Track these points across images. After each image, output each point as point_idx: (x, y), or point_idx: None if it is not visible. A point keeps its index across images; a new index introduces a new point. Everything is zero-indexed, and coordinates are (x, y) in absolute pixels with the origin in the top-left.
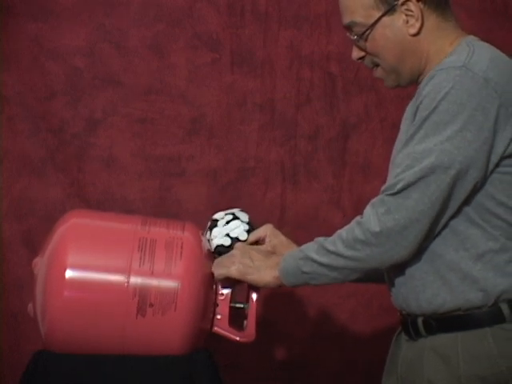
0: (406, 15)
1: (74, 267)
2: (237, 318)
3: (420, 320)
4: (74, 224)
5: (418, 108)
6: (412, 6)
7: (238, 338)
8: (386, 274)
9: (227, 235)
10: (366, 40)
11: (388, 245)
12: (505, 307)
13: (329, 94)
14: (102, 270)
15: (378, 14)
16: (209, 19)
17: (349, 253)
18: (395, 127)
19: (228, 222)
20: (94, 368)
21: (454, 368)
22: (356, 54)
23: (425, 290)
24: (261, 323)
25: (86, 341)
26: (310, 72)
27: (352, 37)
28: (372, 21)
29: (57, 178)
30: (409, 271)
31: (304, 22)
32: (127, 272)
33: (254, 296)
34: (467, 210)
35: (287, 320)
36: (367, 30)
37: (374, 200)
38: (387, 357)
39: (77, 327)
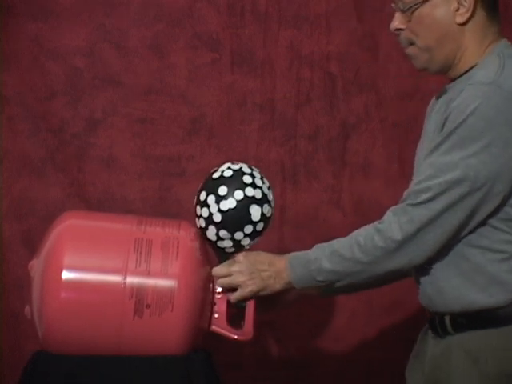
0: (458, 3)
1: (71, 268)
2: (235, 316)
3: (447, 318)
4: (70, 225)
5: (446, 119)
6: None
7: (235, 337)
8: (414, 274)
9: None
10: (412, 13)
11: (409, 249)
12: None
13: (329, 94)
14: (98, 270)
15: None
16: (209, 19)
17: (367, 259)
18: (395, 127)
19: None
20: (93, 368)
21: (482, 365)
22: (397, 23)
23: (452, 291)
24: (260, 323)
25: (83, 342)
26: (310, 72)
27: (399, 6)
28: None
29: (57, 178)
30: (435, 273)
31: (304, 21)
32: (123, 273)
33: None
34: (493, 218)
35: (287, 320)
36: (417, 4)
37: (395, 208)
38: (411, 354)
39: (74, 328)
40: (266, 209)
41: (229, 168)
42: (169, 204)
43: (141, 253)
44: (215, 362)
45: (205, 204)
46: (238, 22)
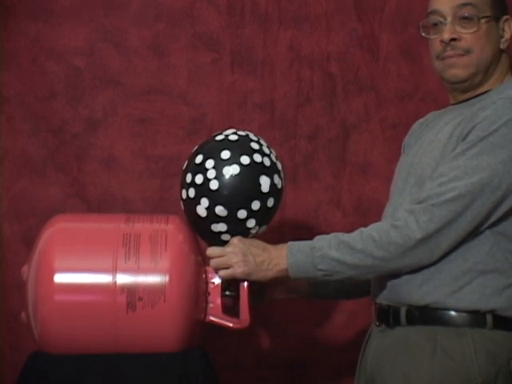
0: (503, 30)
1: (62, 271)
2: (231, 307)
3: (403, 310)
4: (59, 229)
5: (473, 128)
6: (507, 26)
7: (231, 325)
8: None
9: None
10: (476, 22)
11: (424, 248)
12: (489, 318)
13: (329, 94)
14: (89, 270)
15: (489, 14)
16: (209, 19)
17: (380, 253)
18: (395, 127)
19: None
20: (90, 367)
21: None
22: (450, 34)
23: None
24: (261, 323)
25: (80, 342)
26: (310, 72)
27: (463, 14)
28: (484, 14)
29: (57, 178)
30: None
31: (304, 21)
32: (113, 270)
33: (245, 282)
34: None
35: (287, 320)
36: (480, 18)
37: (411, 207)
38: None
39: (69, 329)
40: (277, 179)
41: (234, 133)
42: (169, 204)
43: (129, 247)
44: (214, 360)
45: (201, 169)
46: (238, 21)
